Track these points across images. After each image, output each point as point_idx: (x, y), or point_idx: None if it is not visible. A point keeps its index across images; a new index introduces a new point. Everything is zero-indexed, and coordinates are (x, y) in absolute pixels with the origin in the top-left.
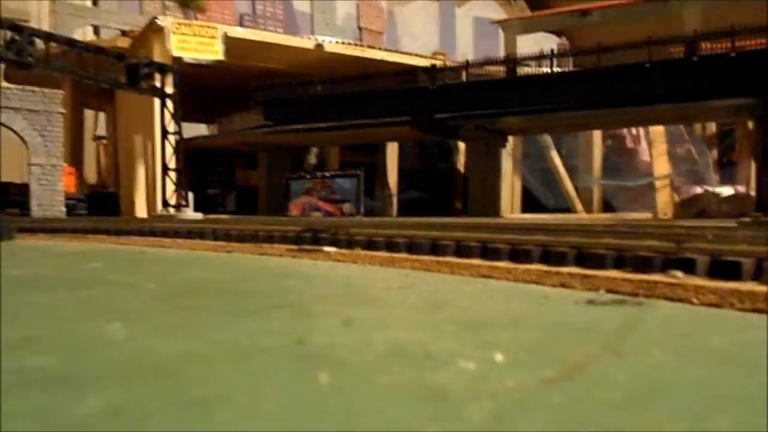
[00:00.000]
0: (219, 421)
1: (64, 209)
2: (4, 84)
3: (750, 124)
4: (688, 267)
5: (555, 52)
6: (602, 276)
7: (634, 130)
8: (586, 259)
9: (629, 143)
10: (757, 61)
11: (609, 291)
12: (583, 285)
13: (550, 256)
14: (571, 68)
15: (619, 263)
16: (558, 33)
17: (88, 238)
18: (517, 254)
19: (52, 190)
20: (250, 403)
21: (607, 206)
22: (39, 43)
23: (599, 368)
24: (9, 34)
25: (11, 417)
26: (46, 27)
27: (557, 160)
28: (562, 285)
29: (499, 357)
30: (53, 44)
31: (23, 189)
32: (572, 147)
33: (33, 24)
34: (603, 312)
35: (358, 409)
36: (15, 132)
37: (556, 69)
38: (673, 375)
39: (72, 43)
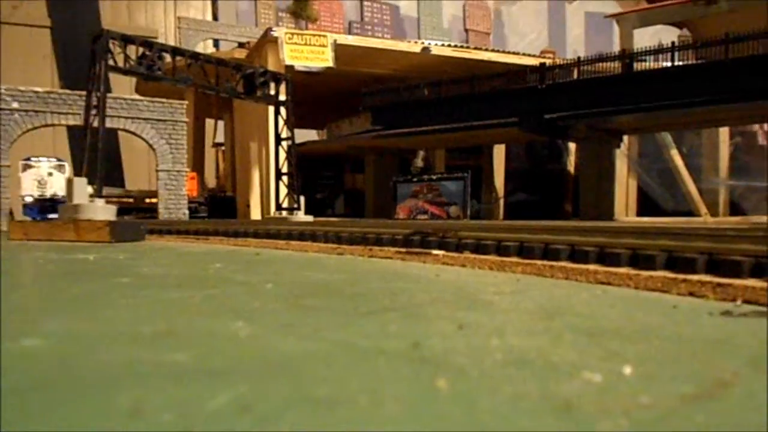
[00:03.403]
0: (342, 421)
1: (187, 212)
2: (135, 96)
3: None
4: None
5: (676, 44)
6: (738, 285)
7: (767, 126)
8: (718, 266)
9: (762, 140)
10: None
11: (747, 301)
12: (716, 294)
13: (676, 263)
14: (693, 61)
15: (757, 271)
16: (679, 25)
17: (209, 240)
18: (638, 260)
19: (176, 194)
20: (371, 405)
21: (734, 209)
22: (166, 57)
23: (745, 387)
24: (141, 49)
25: (154, 410)
26: (171, 42)
27: (678, 160)
28: (692, 294)
29: (628, 370)
30: (179, 58)
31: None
32: (695, 145)
33: (160, 39)
34: (742, 324)
35: (483, 418)
36: (145, 140)
37: (677, 63)
38: None
39: (195, 56)
